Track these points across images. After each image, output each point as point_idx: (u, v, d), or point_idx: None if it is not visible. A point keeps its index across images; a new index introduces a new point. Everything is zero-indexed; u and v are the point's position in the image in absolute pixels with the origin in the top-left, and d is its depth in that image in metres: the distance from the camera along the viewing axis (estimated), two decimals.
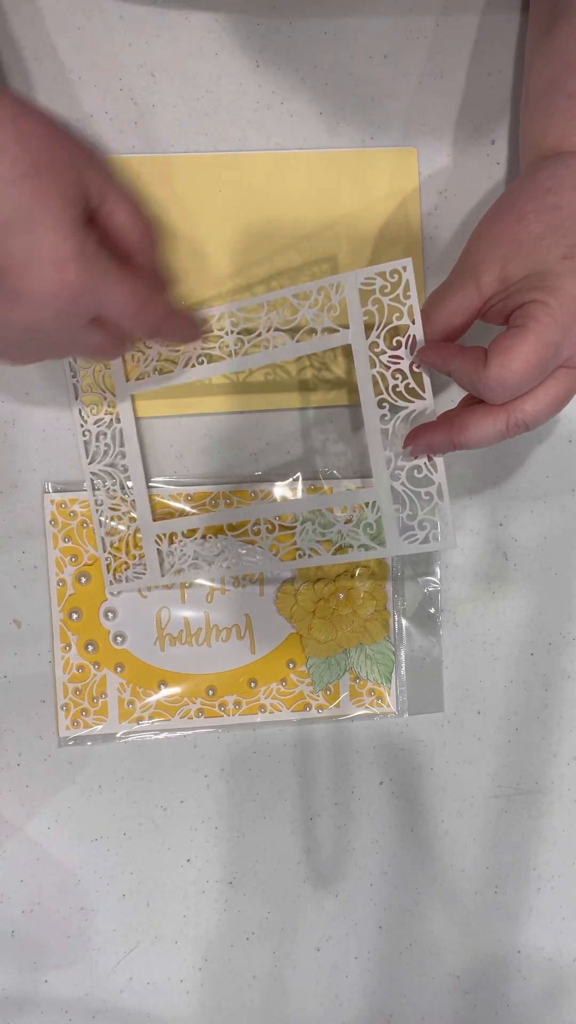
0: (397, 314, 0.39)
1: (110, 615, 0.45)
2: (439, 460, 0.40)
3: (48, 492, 0.45)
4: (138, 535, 0.44)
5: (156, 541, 0.44)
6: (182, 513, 0.45)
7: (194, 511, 0.45)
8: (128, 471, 0.44)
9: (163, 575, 0.44)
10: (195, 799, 0.46)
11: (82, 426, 0.44)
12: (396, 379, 0.40)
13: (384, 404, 0.40)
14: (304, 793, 0.47)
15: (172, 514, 0.45)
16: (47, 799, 0.46)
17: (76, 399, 0.44)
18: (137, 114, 0.44)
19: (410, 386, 0.40)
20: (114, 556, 0.45)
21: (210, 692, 0.46)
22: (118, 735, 0.45)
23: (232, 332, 0.41)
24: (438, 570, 0.47)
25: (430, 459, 0.40)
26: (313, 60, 0.44)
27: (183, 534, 0.44)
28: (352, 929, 0.48)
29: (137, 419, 0.45)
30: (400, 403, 0.40)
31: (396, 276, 0.39)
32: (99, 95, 0.43)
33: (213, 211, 0.44)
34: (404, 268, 0.38)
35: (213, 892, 0.47)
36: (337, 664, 0.46)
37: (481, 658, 0.48)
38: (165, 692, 0.46)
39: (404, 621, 0.47)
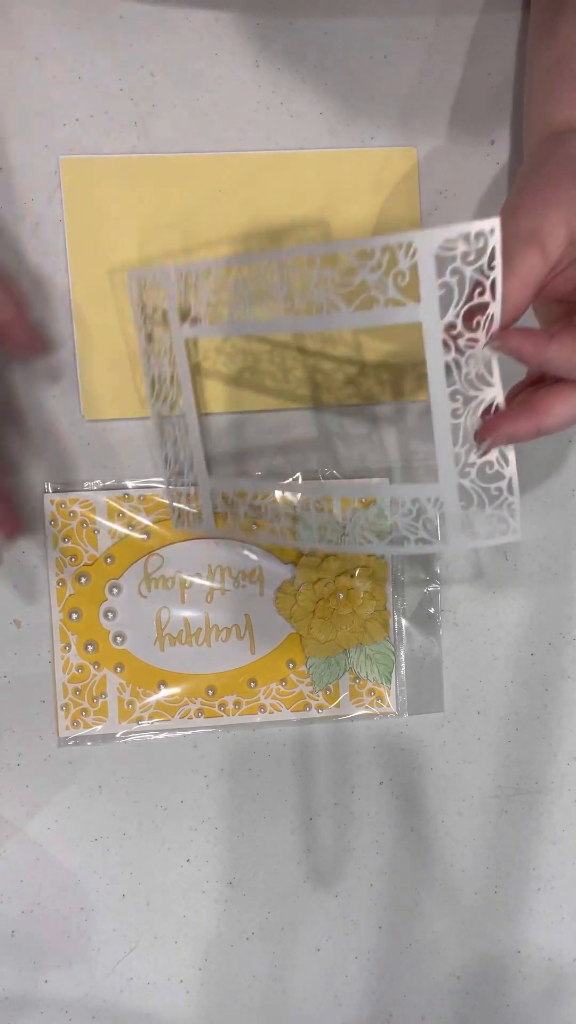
0: (479, 289, 0.33)
1: (110, 615, 0.45)
2: (511, 454, 0.36)
3: (48, 492, 0.45)
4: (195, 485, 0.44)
5: (211, 497, 0.43)
6: (196, 511, 0.45)
7: (194, 508, 0.45)
8: (185, 417, 0.43)
9: (218, 526, 0.43)
10: (195, 799, 0.46)
11: (145, 351, 0.43)
12: (469, 366, 0.34)
13: (458, 396, 0.35)
14: (304, 793, 0.47)
15: (180, 516, 0.45)
16: (47, 799, 0.46)
17: (140, 334, 0.43)
18: (137, 114, 0.44)
19: (480, 373, 0.35)
20: (178, 507, 0.44)
21: (210, 692, 0.46)
22: (118, 735, 0.45)
23: (283, 286, 0.37)
24: (438, 570, 0.47)
25: (502, 453, 0.36)
26: (313, 60, 0.44)
27: (236, 494, 0.43)
28: (352, 929, 0.48)
29: (192, 366, 0.43)
30: (472, 392, 0.35)
31: (481, 241, 0.31)
32: (99, 95, 0.43)
33: (211, 212, 0.44)
34: (491, 231, 0.31)
35: (213, 892, 0.47)
36: (337, 664, 0.46)
37: (481, 658, 0.48)
38: (165, 692, 0.46)
39: (404, 621, 0.47)
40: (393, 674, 0.47)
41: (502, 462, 0.36)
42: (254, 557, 0.46)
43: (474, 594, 0.48)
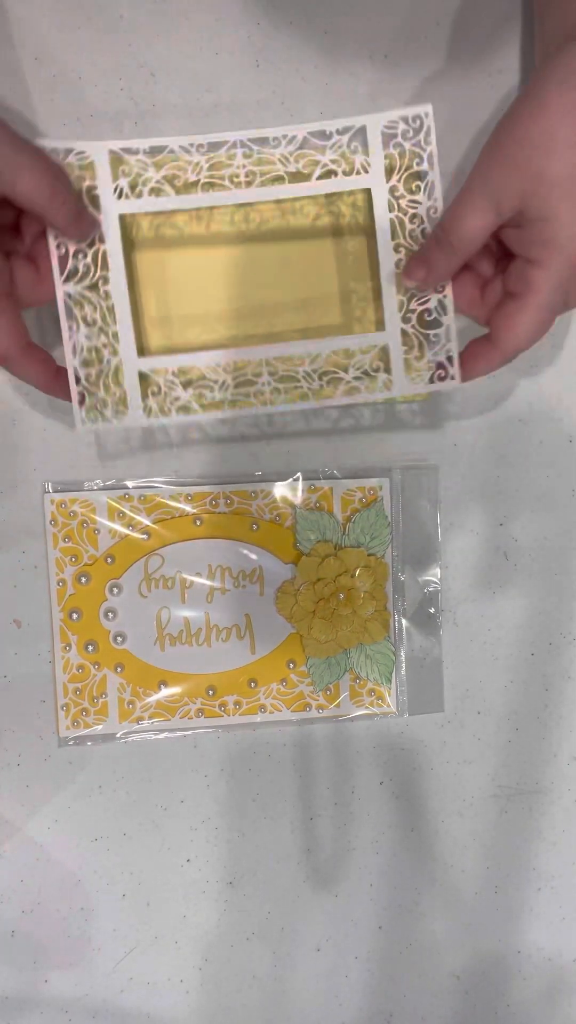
0: (417, 159, 0.40)
1: (110, 615, 0.45)
2: (449, 303, 0.41)
3: (48, 492, 0.45)
4: (120, 369, 0.41)
5: (140, 378, 0.41)
6: (181, 514, 0.45)
7: (194, 511, 0.45)
8: (111, 298, 0.40)
9: (147, 415, 0.41)
10: (195, 799, 0.46)
11: (56, 239, 0.39)
12: (414, 224, 0.41)
13: (400, 248, 0.41)
14: (304, 793, 0.47)
15: (171, 513, 0.45)
16: (47, 799, 0.46)
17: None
18: (137, 114, 0.44)
19: (426, 230, 0.41)
20: (88, 391, 0.41)
21: (210, 692, 0.46)
22: (118, 735, 0.45)
23: (244, 166, 0.40)
24: (438, 570, 0.47)
25: (440, 304, 0.41)
26: (313, 60, 0.44)
27: (173, 372, 0.41)
28: (352, 929, 0.48)
29: (127, 248, 0.41)
30: (416, 248, 0.41)
31: (417, 122, 0.40)
32: (99, 95, 0.43)
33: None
34: (426, 114, 0.40)
35: (213, 892, 0.47)
36: (337, 664, 0.46)
37: (481, 658, 0.48)
38: (165, 692, 0.46)
39: (404, 621, 0.47)
40: (393, 674, 0.47)
41: (440, 311, 0.41)
42: (254, 557, 0.46)
43: (474, 594, 0.48)
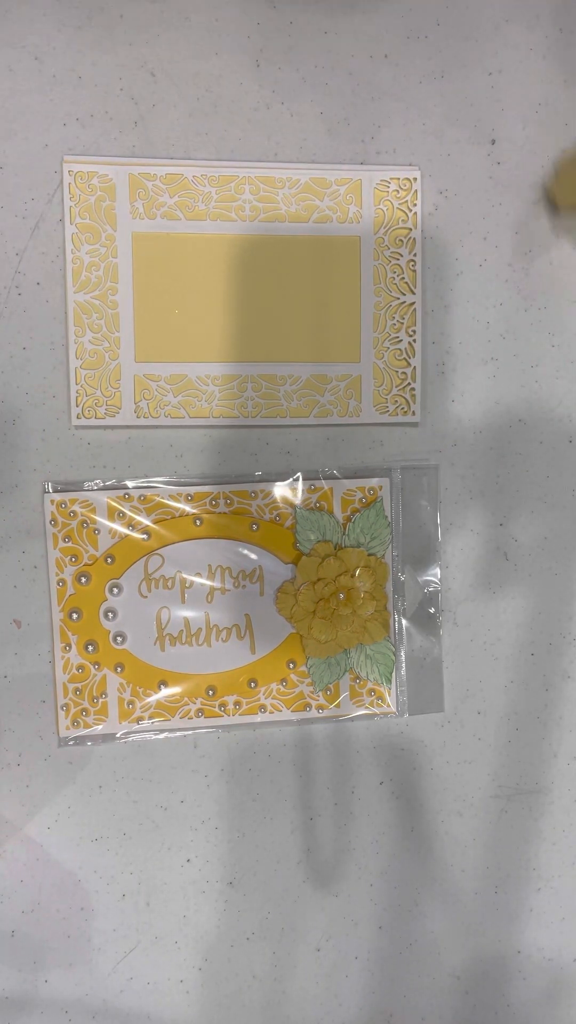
0: (402, 217, 0.45)
1: (110, 615, 0.45)
2: (418, 345, 0.46)
3: (48, 492, 0.45)
4: (118, 372, 0.44)
5: (135, 382, 0.44)
6: (182, 514, 0.45)
7: (194, 511, 0.45)
8: (118, 306, 0.44)
9: (138, 417, 0.44)
10: (195, 799, 0.46)
11: (73, 252, 0.43)
12: (393, 273, 0.45)
13: (380, 293, 0.45)
14: (304, 793, 0.47)
15: (171, 513, 0.45)
16: (47, 799, 0.46)
17: (70, 223, 0.44)
18: (137, 114, 0.44)
19: (404, 280, 0.45)
20: (86, 391, 0.44)
21: (210, 692, 0.46)
22: (118, 735, 0.45)
23: (250, 201, 0.44)
24: (438, 570, 0.47)
25: (410, 347, 0.46)
26: (313, 60, 0.44)
27: (165, 379, 0.45)
28: (352, 929, 0.48)
29: (137, 263, 0.44)
30: (393, 293, 0.46)
31: (407, 184, 0.45)
32: (99, 95, 0.43)
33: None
34: (415, 179, 0.45)
35: (213, 892, 0.47)
36: (337, 664, 0.46)
37: (481, 658, 0.48)
38: (165, 692, 0.46)
39: (404, 621, 0.47)
40: (393, 674, 0.47)
41: (409, 352, 0.46)
42: (254, 557, 0.46)
43: (474, 594, 0.48)
